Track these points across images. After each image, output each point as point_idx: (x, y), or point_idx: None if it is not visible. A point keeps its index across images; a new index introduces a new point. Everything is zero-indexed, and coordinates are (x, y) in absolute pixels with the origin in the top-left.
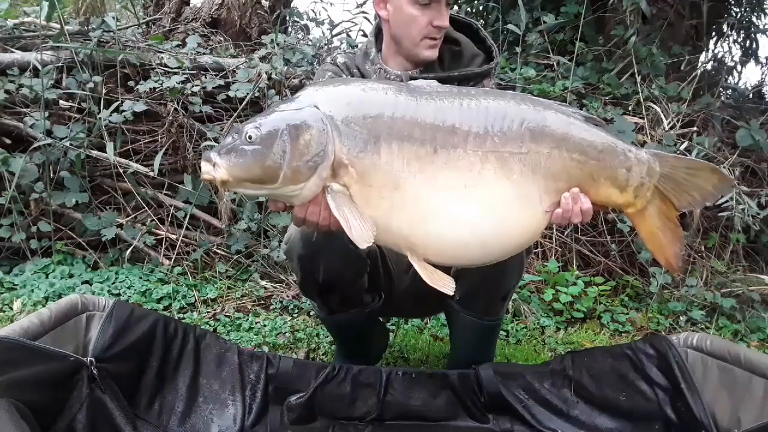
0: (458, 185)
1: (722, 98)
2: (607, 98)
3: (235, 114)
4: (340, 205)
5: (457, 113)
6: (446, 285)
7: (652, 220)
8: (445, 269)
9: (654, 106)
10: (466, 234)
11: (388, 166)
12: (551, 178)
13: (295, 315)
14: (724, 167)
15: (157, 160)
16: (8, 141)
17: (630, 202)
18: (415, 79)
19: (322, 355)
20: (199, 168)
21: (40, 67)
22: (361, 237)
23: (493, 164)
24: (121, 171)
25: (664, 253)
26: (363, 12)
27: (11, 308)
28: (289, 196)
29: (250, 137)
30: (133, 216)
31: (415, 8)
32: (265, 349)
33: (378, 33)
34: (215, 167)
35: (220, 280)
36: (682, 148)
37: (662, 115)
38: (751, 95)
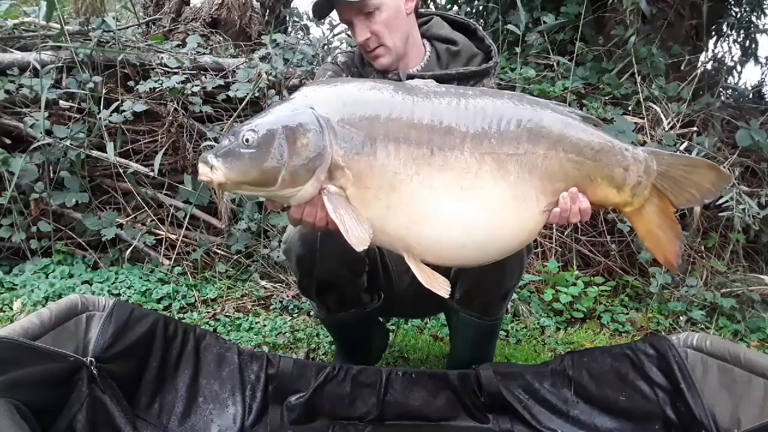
0: (455, 187)
1: (722, 98)
2: (607, 98)
3: (235, 114)
4: (337, 208)
5: (453, 114)
6: (442, 287)
7: (650, 218)
8: (444, 270)
9: (654, 106)
10: (462, 235)
11: (384, 168)
12: (548, 179)
13: (295, 315)
14: (724, 167)
15: (157, 160)
16: (8, 141)
17: (627, 201)
18: (413, 77)
19: (322, 355)
20: (198, 169)
21: (39, 67)
22: (358, 239)
23: (490, 166)
24: (121, 171)
25: (663, 252)
26: None
27: (11, 308)
28: (286, 197)
29: (247, 140)
30: (133, 216)
31: (349, 30)
32: (265, 349)
33: None
34: (212, 170)
35: (220, 280)
36: (682, 148)
37: (662, 115)
38: (751, 95)
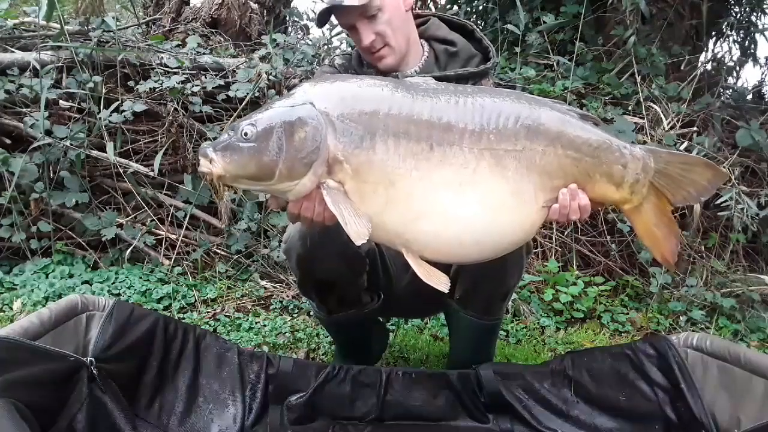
0: (453, 182)
1: (722, 98)
2: (607, 98)
3: (235, 114)
4: (336, 202)
5: (452, 110)
6: (441, 282)
7: (648, 216)
8: (444, 268)
9: (654, 106)
10: (460, 231)
11: (383, 163)
12: (546, 176)
13: (295, 315)
14: (723, 167)
15: (157, 160)
16: (8, 141)
17: (626, 199)
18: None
19: (322, 355)
20: (198, 162)
21: (39, 67)
22: (357, 233)
23: (488, 162)
24: (121, 171)
25: (661, 249)
26: None
27: (11, 308)
28: (284, 191)
29: (245, 134)
30: (133, 216)
31: (350, 34)
32: (265, 349)
33: None
34: (212, 162)
35: (220, 280)
36: (682, 148)
37: (662, 115)
38: (751, 95)
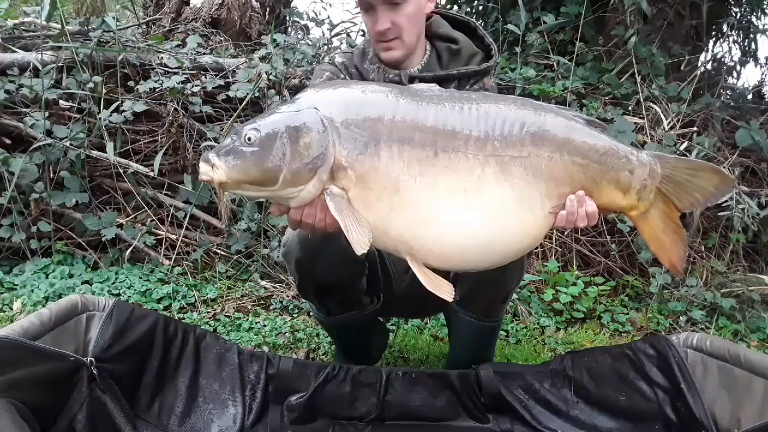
0: (458, 189)
1: (722, 98)
2: (607, 98)
3: (235, 114)
4: (340, 209)
5: (457, 117)
6: (446, 291)
7: (655, 222)
8: (445, 271)
9: (654, 106)
10: (465, 239)
11: (387, 169)
12: (553, 182)
13: (295, 315)
14: (724, 167)
15: (157, 160)
16: (8, 141)
17: (633, 205)
18: (414, 77)
19: (322, 355)
20: (199, 168)
21: (40, 67)
22: (359, 242)
23: (494, 168)
24: (121, 171)
25: (668, 255)
26: None
27: (11, 308)
28: (287, 198)
29: (249, 139)
30: (133, 216)
31: (364, 15)
32: (265, 349)
33: None
34: (213, 168)
35: (220, 280)
36: (682, 148)
37: (662, 115)
38: (751, 95)
